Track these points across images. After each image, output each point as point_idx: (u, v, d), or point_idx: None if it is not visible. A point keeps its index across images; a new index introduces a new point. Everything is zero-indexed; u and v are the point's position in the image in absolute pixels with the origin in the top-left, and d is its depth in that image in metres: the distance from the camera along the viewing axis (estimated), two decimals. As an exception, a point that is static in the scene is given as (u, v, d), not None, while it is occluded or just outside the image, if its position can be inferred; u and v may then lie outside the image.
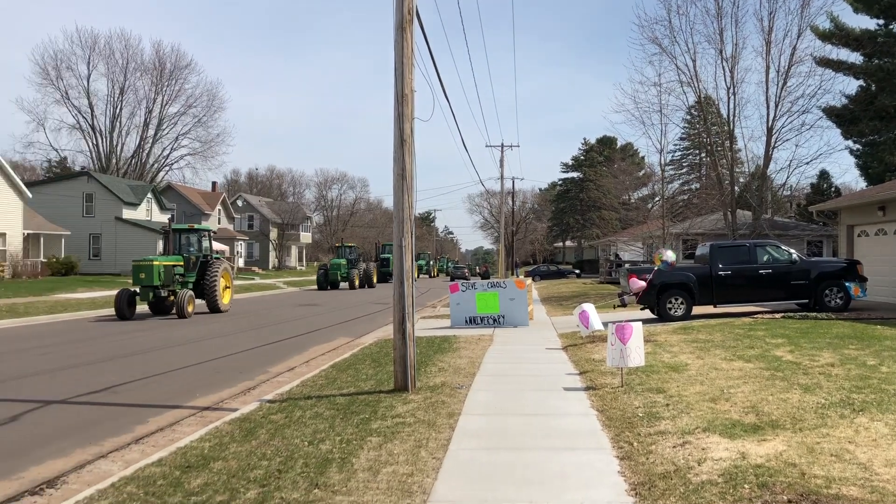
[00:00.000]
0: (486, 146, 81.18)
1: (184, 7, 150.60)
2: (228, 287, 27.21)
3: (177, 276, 25.08)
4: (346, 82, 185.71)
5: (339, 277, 47.71)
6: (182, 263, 25.57)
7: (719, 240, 27.72)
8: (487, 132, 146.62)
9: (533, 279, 33.48)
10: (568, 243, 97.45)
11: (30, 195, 44.25)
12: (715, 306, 18.90)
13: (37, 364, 13.50)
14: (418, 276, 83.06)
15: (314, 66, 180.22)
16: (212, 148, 76.21)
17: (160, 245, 51.94)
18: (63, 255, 46.69)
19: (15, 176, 43.14)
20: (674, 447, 6.24)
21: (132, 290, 23.93)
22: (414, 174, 9.71)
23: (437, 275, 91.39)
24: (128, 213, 52.97)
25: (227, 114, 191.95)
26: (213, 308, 25.90)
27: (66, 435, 8.01)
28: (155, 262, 24.04)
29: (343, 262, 48.99)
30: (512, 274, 64.42)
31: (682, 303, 18.07)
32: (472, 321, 18.60)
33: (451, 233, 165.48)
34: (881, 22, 35.48)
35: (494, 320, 18.54)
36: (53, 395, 10.26)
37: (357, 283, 47.54)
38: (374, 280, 51.88)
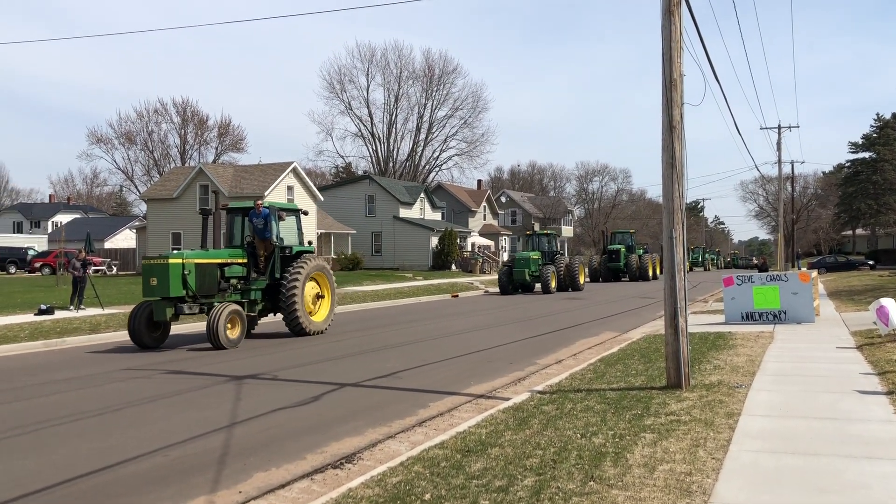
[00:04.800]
0: (761, 129, 74.93)
1: (450, 15, 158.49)
2: (323, 296, 18.20)
3: (232, 281, 16.66)
4: (607, 73, 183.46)
5: (528, 277, 35.32)
6: (243, 261, 16.94)
7: None
8: (763, 114, 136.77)
9: (818, 271, 30.62)
10: (859, 231, 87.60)
11: (321, 198, 49.62)
12: None
13: (332, 351, 15.04)
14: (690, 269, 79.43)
15: (574, 60, 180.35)
16: (477, 147, 79.87)
17: (434, 241, 55.34)
18: (350, 252, 51.55)
19: (310, 182, 48.68)
20: None
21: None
22: (684, 162, 9.35)
23: (691, 269, 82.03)
24: (404, 212, 56.97)
25: (490, 114, 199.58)
26: (294, 328, 17.08)
27: (360, 415, 8.82)
28: (172, 260, 15.20)
29: (535, 255, 36.61)
30: (793, 266, 59.38)
31: None
32: (748, 317, 17.44)
33: (721, 223, 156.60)
34: None
35: (775, 316, 17.22)
36: (346, 378, 11.37)
37: (553, 284, 35.41)
38: (582, 280, 37.98)
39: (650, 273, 49.52)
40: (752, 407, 7.88)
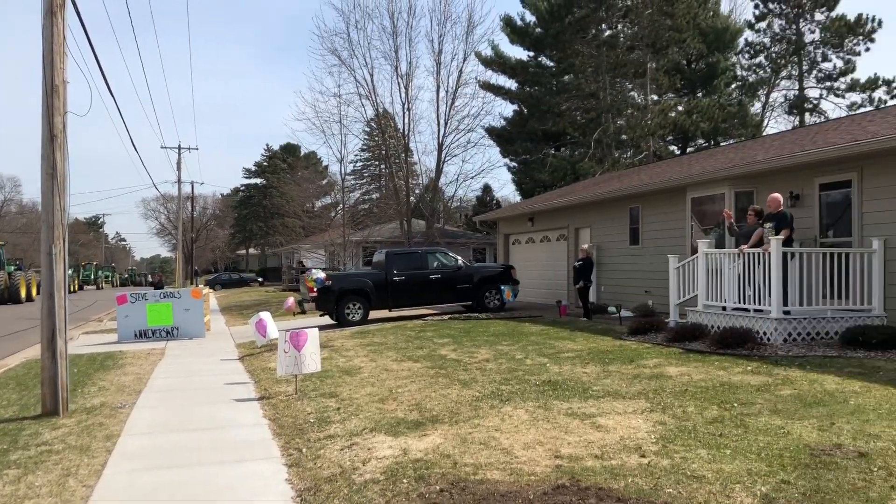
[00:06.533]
0: (162, 147, 76.47)
1: None
2: None
3: None
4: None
5: None
6: None
7: (396, 247, 29.04)
8: (163, 134, 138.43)
9: (213, 288, 32.33)
10: (252, 251, 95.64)
11: None
12: (390, 310, 19.81)
13: None
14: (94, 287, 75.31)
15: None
16: None
17: None
18: None
19: None
20: (341, 450, 6.38)
21: None
22: (67, 174, 8.83)
23: (82, 287, 74.48)
24: None
25: None
26: None
27: None
28: None
29: None
30: (192, 283, 61.41)
31: (359, 308, 18.66)
32: (142, 335, 17.36)
33: (123, 239, 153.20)
34: (532, 54, 40.34)
35: (168, 332, 17.51)
36: None
37: None
38: None
39: (24, 294, 41.65)
40: (133, 426, 7.78)
